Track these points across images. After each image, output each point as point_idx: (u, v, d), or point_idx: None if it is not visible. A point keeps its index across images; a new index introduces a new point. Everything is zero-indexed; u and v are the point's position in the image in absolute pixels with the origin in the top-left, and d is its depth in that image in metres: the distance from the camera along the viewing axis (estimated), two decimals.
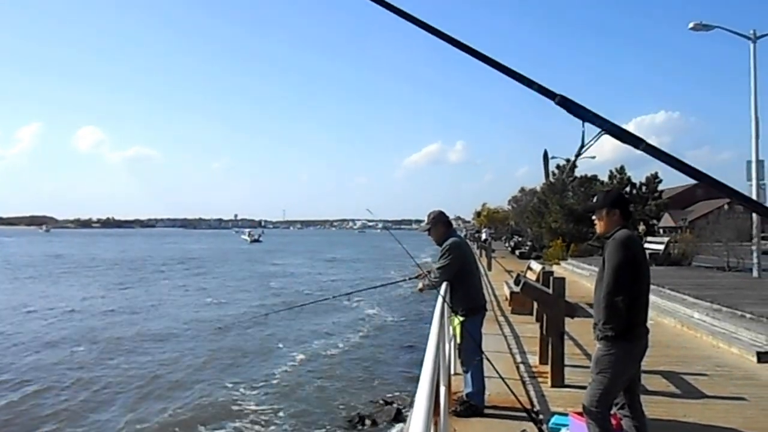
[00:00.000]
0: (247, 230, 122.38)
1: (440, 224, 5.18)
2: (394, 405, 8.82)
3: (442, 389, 3.63)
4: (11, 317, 18.31)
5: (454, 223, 5.82)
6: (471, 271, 5.11)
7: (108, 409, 9.52)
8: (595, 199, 3.66)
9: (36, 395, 10.07)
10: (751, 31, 16.62)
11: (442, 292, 4.50)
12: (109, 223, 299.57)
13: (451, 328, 5.14)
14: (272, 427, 8.63)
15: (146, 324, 17.27)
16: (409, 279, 6.13)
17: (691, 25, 16.99)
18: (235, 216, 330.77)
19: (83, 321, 17.82)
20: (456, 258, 4.95)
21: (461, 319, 4.77)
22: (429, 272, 5.15)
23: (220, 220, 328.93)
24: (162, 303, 21.99)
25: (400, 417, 8.28)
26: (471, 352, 4.73)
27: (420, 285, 5.27)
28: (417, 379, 1.87)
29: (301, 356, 12.98)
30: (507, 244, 39.92)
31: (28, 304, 20.86)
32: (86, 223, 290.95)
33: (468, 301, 4.91)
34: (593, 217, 3.59)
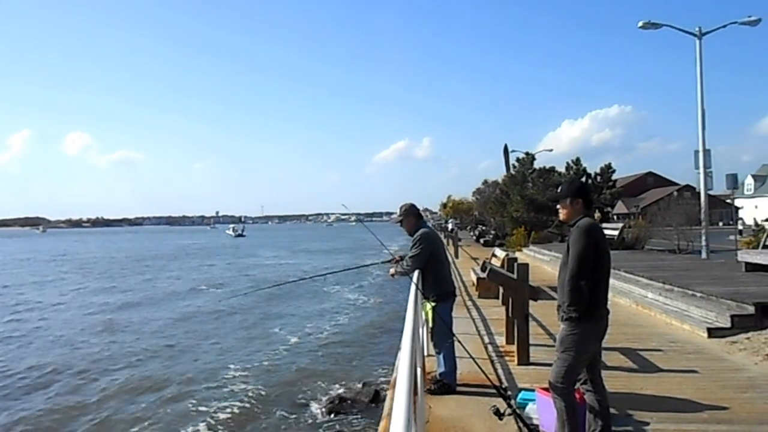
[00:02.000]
0: (231, 226, 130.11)
1: (411, 216, 5.39)
2: (372, 387, 8.98)
3: (418, 370, 3.82)
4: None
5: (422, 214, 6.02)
6: (441, 259, 5.31)
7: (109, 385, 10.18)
8: (559, 189, 3.82)
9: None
10: (697, 29, 17.42)
11: (414, 279, 4.70)
12: (98, 223, 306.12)
13: (423, 313, 5.33)
14: (249, 409, 8.83)
15: (159, 311, 18.77)
16: (383, 263, 6.32)
17: (640, 24, 17.70)
18: (217, 213, 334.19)
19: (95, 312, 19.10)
20: (427, 247, 5.15)
21: (433, 304, 4.98)
22: (402, 258, 5.35)
23: (202, 217, 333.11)
24: (171, 290, 24.59)
25: (378, 398, 8.40)
26: (443, 335, 4.94)
27: (392, 270, 5.46)
28: (392, 362, 2.03)
29: (283, 341, 13.35)
30: (472, 233, 40.48)
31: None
32: (77, 223, 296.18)
33: (439, 287, 5.12)
34: (557, 206, 3.75)
